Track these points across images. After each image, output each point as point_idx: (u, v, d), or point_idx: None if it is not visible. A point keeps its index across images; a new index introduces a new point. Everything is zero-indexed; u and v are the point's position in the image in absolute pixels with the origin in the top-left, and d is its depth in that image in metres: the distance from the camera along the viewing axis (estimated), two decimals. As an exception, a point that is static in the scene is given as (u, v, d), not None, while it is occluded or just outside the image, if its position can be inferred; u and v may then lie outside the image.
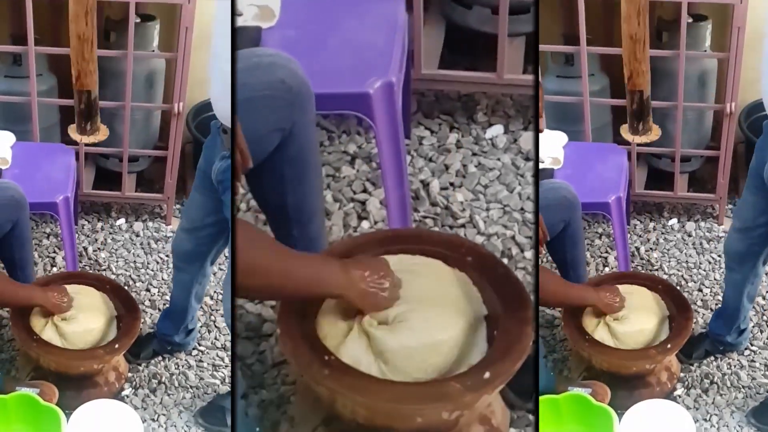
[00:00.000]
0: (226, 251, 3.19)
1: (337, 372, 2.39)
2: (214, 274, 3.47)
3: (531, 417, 2.83)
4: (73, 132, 3.05)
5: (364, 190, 3.47)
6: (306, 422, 2.60)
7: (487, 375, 2.40)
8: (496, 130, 3.66)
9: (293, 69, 2.62)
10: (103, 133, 3.05)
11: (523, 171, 3.50)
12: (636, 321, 3.17)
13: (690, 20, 3.59)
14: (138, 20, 3.57)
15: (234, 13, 2.61)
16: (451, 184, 3.44)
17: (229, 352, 3.30)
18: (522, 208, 3.37)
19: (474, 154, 3.59)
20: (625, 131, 3.12)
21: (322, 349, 2.45)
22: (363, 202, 3.43)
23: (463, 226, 3.34)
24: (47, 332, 3.14)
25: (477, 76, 3.64)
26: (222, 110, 2.84)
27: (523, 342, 2.47)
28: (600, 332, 3.16)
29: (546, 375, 3.13)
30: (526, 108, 3.74)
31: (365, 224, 3.37)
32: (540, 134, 3.09)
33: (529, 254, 3.24)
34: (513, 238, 3.29)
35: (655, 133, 3.12)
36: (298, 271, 2.38)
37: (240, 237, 2.31)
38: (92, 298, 3.23)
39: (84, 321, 3.18)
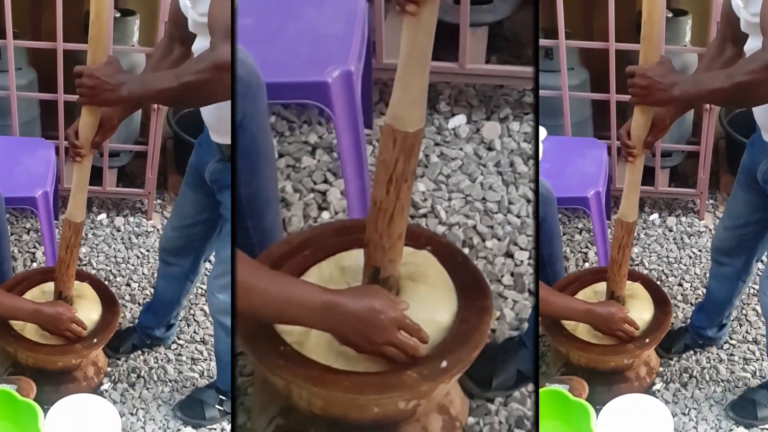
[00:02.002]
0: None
1: (293, 363, 2.39)
2: (197, 269, 3.48)
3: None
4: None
5: (325, 181, 3.47)
6: (263, 413, 2.60)
7: (444, 364, 2.40)
8: (459, 120, 3.66)
9: (243, 59, 2.62)
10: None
11: (486, 161, 3.50)
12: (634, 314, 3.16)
13: (670, 15, 3.59)
14: (118, 15, 3.58)
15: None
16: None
17: (208, 346, 3.30)
18: (484, 198, 3.38)
19: (436, 144, 3.59)
20: None
21: (278, 339, 2.45)
22: (323, 193, 3.44)
23: (424, 215, 3.35)
24: (30, 329, 3.13)
25: (439, 65, 3.64)
26: (209, 122, 2.88)
27: (481, 330, 2.47)
28: (582, 331, 3.15)
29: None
30: (488, 98, 3.75)
31: (325, 215, 3.37)
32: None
33: (490, 243, 3.24)
34: (474, 227, 3.29)
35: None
36: (272, 290, 2.35)
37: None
38: (85, 289, 3.22)
39: (84, 312, 3.16)
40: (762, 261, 3.39)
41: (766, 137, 2.94)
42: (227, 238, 2.92)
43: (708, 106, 3.58)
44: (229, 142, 2.84)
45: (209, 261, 3.32)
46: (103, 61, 2.67)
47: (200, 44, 2.73)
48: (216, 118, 2.82)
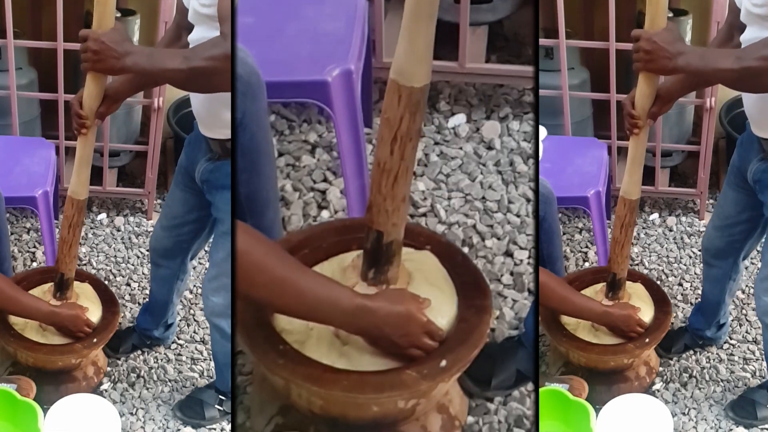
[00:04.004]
0: (207, 246, 3.20)
1: (292, 362, 2.39)
2: (194, 268, 3.48)
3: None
4: (49, 293, 3.15)
5: (325, 180, 3.48)
6: (262, 412, 2.60)
7: (443, 363, 2.39)
8: (459, 119, 3.67)
9: (243, 58, 2.61)
10: (72, 300, 3.17)
11: (485, 160, 3.51)
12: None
13: (670, 15, 3.58)
14: (118, 15, 3.57)
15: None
16: (413, 173, 3.44)
17: (208, 345, 3.30)
18: (483, 197, 3.38)
19: (436, 143, 3.60)
20: (601, 292, 3.19)
21: (278, 338, 2.44)
22: (323, 192, 3.44)
23: (424, 215, 3.35)
24: (30, 329, 3.13)
25: (439, 65, 3.64)
26: (200, 115, 2.86)
27: (480, 329, 2.46)
28: (582, 331, 3.15)
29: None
30: (488, 97, 3.75)
31: (325, 213, 3.38)
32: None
33: (489, 243, 3.24)
34: (474, 226, 3.29)
35: (626, 300, 3.17)
36: (310, 290, 2.34)
37: (247, 244, 2.27)
38: (85, 289, 3.22)
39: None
40: (754, 260, 3.40)
41: (755, 130, 2.92)
42: (220, 240, 2.92)
43: (708, 105, 3.58)
44: (217, 136, 2.82)
45: (206, 261, 3.33)
46: (110, 26, 2.62)
47: (198, 34, 2.71)
48: (207, 110, 2.80)
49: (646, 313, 3.15)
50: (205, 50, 2.59)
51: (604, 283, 3.17)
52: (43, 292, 3.16)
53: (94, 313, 3.16)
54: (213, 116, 2.79)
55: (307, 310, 2.35)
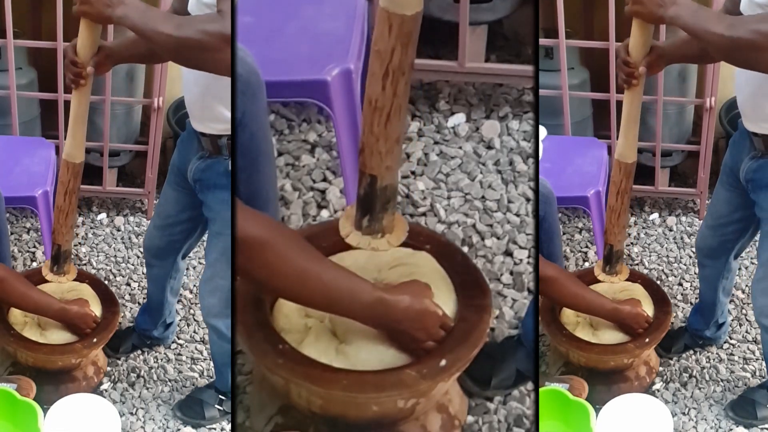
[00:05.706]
0: (204, 245, 3.20)
1: (291, 361, 2.39)
2: (194, 268, 3.48)
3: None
4: (45, 267, 3.13)
5: (324, 179, 3.47)
6: (262, 411, 2.60)
7: (443, 362, 2.39)
8: (458, 118, 3.67)
9: (242, 57, 2.60)
10: (70, 275, 3.11)
11: (485, 159, 3.50)
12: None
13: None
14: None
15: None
16: (413, 172, 3.45)
17: (208, 345, 3.29)
18: (483, 197, 3.38)
19: (436, 143, 3.60)
20: (598, 266, 3.16)
21: (277, 338, 2.44)
22: (323, 191, 3.44)
23: (424, 214, 3.35)
24: (29, 329, 3.13)
25: (439, 64, 3.65)
26: (192, 109, 2.85)
27: (480, 329, 2.46)
28: (582, 331, 3.15)
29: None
30: (488, 96, 3.75)
31: (325, 213, 3.37)
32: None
33: (489, 242, 3.24)
34: (474, 226, 3.29)
35: (623, 275, 3.13)
36: (331, 281, 2.33)
37: (270, 234, 2.26)
38: (85, 289, 3.22)
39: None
40: (754, 260, 3.39)
41: (747, 125, 2.91)
42: (213, 240, 2.92)
43: (708, 105, 3.58)
44: (208, 131, 2.81)
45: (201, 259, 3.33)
46: None
47: None
48: (200, 104, 2.80)
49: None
50: (200, 23, 2.51)
51: (603, 283, 3.17)
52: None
53: (96, 313, 3.16)
54: (205, 109, 2.78)
55: (327, 302, 2.36)
